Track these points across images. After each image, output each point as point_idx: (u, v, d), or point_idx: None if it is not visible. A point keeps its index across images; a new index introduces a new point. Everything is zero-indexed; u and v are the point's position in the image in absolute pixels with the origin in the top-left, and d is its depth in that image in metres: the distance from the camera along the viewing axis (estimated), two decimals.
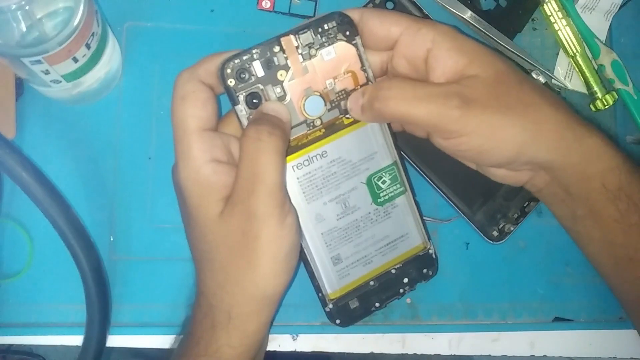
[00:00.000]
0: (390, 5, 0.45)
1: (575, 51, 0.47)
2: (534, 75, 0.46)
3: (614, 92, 0.47)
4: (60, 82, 0.37)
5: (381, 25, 0.35)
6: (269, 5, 0.45)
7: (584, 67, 0.47)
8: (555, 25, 0.47)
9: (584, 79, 0.47)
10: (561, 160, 0.34)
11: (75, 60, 0.36)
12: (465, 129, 0.32)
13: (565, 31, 0.47)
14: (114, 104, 0.43)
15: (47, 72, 0.35)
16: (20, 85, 0.41)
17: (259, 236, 0.32)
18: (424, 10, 0.45)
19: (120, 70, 0.43)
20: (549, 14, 0.47)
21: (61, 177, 0.41)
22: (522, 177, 0.37)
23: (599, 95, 0.47)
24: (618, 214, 0.35)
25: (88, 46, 0.36)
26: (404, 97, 0.33)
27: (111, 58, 0.40)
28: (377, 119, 0.35)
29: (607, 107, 0.47)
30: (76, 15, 0.33)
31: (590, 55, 0.47)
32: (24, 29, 0.33)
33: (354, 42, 0.35)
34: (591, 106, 0.47)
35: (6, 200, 0.41)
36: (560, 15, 0.47)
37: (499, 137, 0.33)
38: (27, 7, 0.32)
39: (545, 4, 0.47)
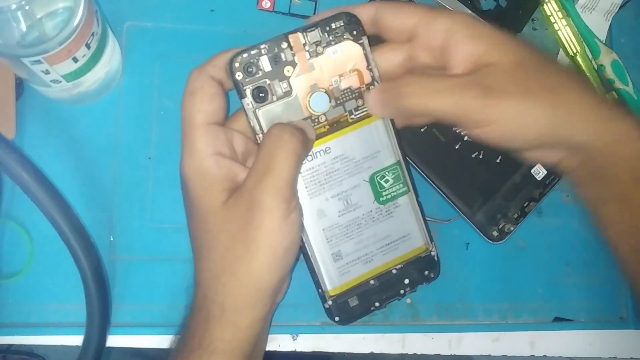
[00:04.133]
0: None
1: (575, 51, 0.47)
2: None
3: (614, 92, 0.47)
4: (60, 82, 0.37)
5: (396, 18, 0.35)
6: (269, 5, 0.45)
7: (584, 67, 0.47)
8: (555, 25, 0.47)
9: None
10: (592, 141, 0.34)
11: (75, 60, 0.36)
12: (489, 118, 0.33)
13: (565, 31, 0.47)
14: (114, 104, 0.43)
15: (47, 72, 0.35)
16: (20, 85, 0.41)
17: (261, 227, 0.32)
18: None
19: (120, 70, 0.43)
20: (549, 14, 0.47)
21: (61, 177, 0.41)
22: (553, 158, 0.37)
23: None
24: None
25: (88, 46, 0.36)
26: (425, 92, 0.33)
27: (111, 58, 0.40)
28: (399, 114, 0.36)
29: None
30: (76, 15, 0.34)
31: (590, 55, 0.47)
32: (24, 29, 0.33)
33: (360, 41, 0.35)
34: None
35: (6, 200, 0.41)
36: (560, 15, 0.47)
37: (521, 123, 0.33)
38: (27, 7, 0.32)
39: (545, 4, 0.47)
